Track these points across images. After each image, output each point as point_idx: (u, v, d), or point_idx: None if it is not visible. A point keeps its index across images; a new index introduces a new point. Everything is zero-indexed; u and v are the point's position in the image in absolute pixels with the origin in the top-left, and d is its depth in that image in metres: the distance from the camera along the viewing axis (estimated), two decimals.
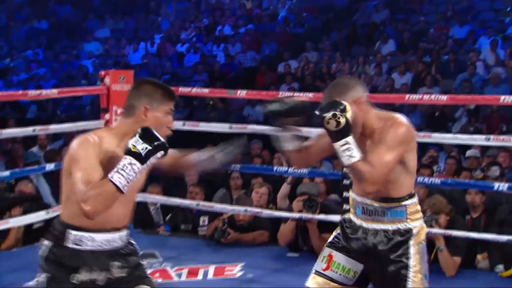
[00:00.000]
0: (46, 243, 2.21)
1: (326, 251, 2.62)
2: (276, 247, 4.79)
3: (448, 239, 4.19)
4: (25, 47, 13.73)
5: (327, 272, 2.58)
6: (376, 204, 2.46)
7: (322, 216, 4.52)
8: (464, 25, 10.87)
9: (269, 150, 6.99)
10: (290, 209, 4.75)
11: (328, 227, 4.54)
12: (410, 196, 2.48)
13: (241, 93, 5.35)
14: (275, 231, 4.87)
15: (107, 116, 5.30)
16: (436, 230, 4.17)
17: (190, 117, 8.87)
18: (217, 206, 5.07)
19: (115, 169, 2.01)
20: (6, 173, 5.02)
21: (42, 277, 2.19)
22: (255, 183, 5.37)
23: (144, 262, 2.48)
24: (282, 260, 4.57)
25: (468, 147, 6.80)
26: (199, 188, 5.42)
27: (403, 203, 2.45)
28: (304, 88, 9.33)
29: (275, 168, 5.30)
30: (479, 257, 4.40)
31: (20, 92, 5.62)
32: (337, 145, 2.31)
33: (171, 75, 11.33)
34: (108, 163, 2.09)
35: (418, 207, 2.51)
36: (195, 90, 6.25)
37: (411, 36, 10.90)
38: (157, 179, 6.01)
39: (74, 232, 2.17)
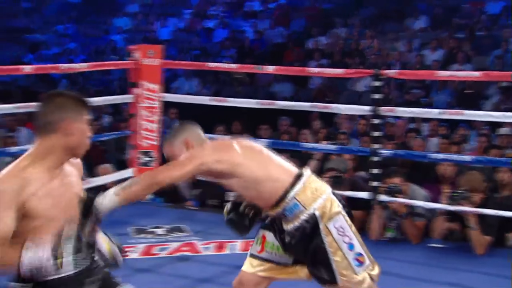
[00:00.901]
0: None
1: (260, 232, 2.64)
2: None
3: (479, 217, 4.15)
4: (57, 22, 13.84)
5: (262, 254, 2.61)
6: (273, 212, 2.49)
7: (349, 193, 4.50)
8: (499, 1, 10.61)
9: (296, 126, 6.98)
10: None
11: (355, 203, 4.54)
12: (290, 187, 2.43)
13: (269, 69, 5.34)
14: None
15: (136, 90, 5.33)
16: (468, 209, 4.13)
17: (217, 93, 8.87)
18: None
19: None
20: None
21: None
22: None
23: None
24: None
25: (499, 125, 6.69)
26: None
27: (289, 197, 2.43)
28: (333, 64, 9.25)
29: (303, 144, 5.29)
30: (509, 235, 4.34)
31: (51, 65, 5.67)
32: None
33: (200, 50, 11.32)
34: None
35: (311, 185, 2.46)
36: (223, 66, 6.25)
37: (444, 12, 10.68)
38: None
39: None
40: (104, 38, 12.67)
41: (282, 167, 2.50)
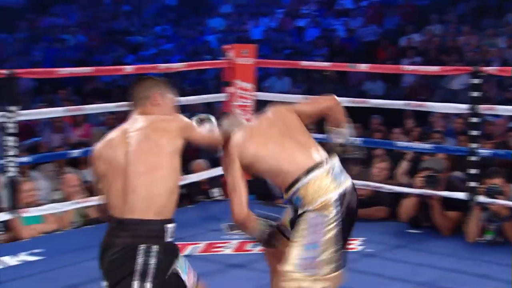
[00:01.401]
0: (154, 248, 2.19)
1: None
2: (396, 223, 4.68)
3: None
4: (155, 24, 14.28)
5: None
6: (286, 196, 2.54)
7: (445, 193, 4.35)
8: None
9: (387, 125, 6.84)
10: (411, 185, 4.62)
11: (452, 204, 4.39)
12: (296, 180, 2.47)
13: (362, 67, 5.25)
14: (395, 206, 4.76)
15: (230, 89, 5.40)
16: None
17: (308, 92, 8.83)
18: None
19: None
20: None
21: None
22: (375, 158, 5.27)
23: None
24: (403, 236, 4.47)
25: None
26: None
27: (294, 189, 2.47)
28: (427, 62, 8.97)
29: (396, 143, 5.17)
30: None
31: (151, 65, 5.84)
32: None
33: (292, 49, 11.31)
34: None
35: (316, 183, 2.44)
36: (316, 64, 6.21)
37: None
38: None
39: (170, 225, 2.27)
40: (199, 38, 12.93)
41: (293, 160, 2.49)
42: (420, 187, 4.44)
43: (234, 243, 4.28)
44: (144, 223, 2.18)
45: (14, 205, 4.17)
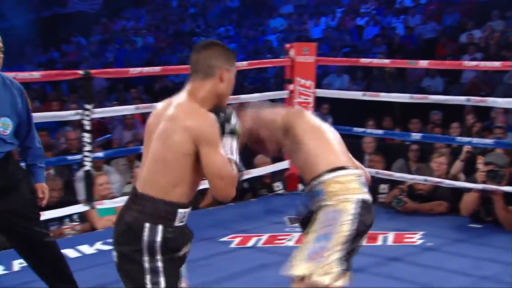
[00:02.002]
0: (160, 227, 2.02)
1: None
2: (457, 218, 4.55)
3: None
4: (219, 24, 14.40)
5: None
6: (308, 187, 2.45)
7: (508, 188, 4.19)
8: None
9: (447, 121, 6.66)
10: (473, 180, 4.48)
11: None
12: (325, 172, 2.36)
13: (423, 63, 5.13)
14: (456, 201, 4.63)
15: (291, 86, 5.38)
16: None
17: (368, 89, 8.71)
18: (396, 175, 4.94)
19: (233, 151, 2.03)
20: None
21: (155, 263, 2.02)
22: (435, 153, 5.15)
23: None
24: (464, 231, 4.34)
25: None
26: (379, 156, 5.32)
27: (317, 181, 2.38)
28: (488, 58, 8.68)
29: (457, 138, 5.03)
30: None
31: None
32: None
33: (350, 48, 11.18)
34: None
35: (342, 182, 2.35)
36: (376, 61, 6.11)
37: None
38: None
39: (182, 210, 2.05)
40: (261, 38, 12.95)
41: (330, 154, 2.40)
42: (483, 182, 4.30)
43: (296, 235, 4.26)
44: (153, 201, 2.02)
45: (90, 198, 4.29)
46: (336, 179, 2.35)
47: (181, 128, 1.97)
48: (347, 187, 2.35)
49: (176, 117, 2.00)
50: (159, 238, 2.01)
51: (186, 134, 1.97)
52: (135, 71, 4.68)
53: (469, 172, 4.81)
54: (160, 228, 2.01)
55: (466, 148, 4.87)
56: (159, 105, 2.13)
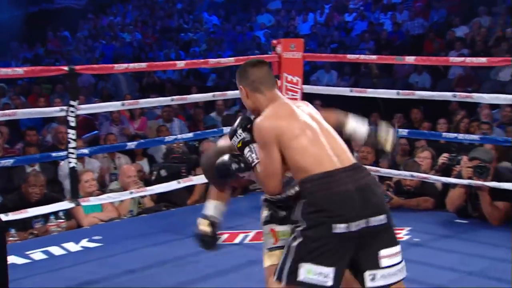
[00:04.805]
0: None
1: (266, 229, 2.55)
2: (444, 213, 4.57)
3: None
4: (206, 20, 14.34)
5: (278, 243, 2.49)
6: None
7: (494, 183, 4.21)
8: None
9: (434, 117, 6.69)
10: (459, 175, 4.49)
11: (501, 194, 4.25)
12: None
13: (410, 59, 5.13)
14: (443, 197, 4.65)
15: (278, 82, 5.35)
16: None
17: (355, 85, 8.72)
18: (383, 171, 4.94)
19: None
20: (190, 134, 5.40)
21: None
22: (418, 148, 5.16)
23: None
24: (451, 226, 4.36)
25: None
26: (370, 148, 5.27)
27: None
28: (475, 54, 8.71)
29: (444, 134, 5.05)
30: None
31: (202, 60, 5.87)
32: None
33: (338, 44, 11.18)
34: None
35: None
36: (363, 57, 6.11)
37: None
38: None
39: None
40: (249, 34, 12.92)
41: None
42: (468, 178, 4.31)
43: None
44: None
45: (75, 195, 4.26)
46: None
47: None
48: None
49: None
50: None
51: None
52: (120, 67, 4.64)
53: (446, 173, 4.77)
54: None
55: (441, 159, 4.82)
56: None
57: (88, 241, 4.13)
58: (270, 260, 2.52)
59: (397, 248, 2.27)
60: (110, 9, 16.04)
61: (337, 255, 2.17)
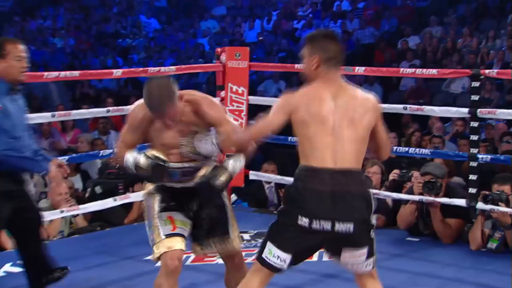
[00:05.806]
0: None
1: (163, 216, 2.78)
2: (394, 231, 4.66)
3: None
4: (146, 26, 14.26)
5: (177, 231, 2.75)
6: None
7: (445, 200, 4.34)
8: None
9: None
10: (410, 191, 4.60)
11: (452, 211, 4.37)
12: None
13: (360, 70, 5.23)
14: (394, 214, 4.75)
15: (222, 93, 5.39)
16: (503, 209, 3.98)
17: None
18: None
19: None
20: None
21: None
22: (366, 162, 5.24)
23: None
24: (402, 244, 4.46)
25: None
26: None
27: None
28: (426, 65, 8.99)
29: (393, 148, 5.15)
30: None
31: (140, 69, 5.84)
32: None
33: (286, 52, 11.32)
34: None
35: None
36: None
37: None
38: (272, 157, 6.05)
39: None
40: (191, 41, 12.93)
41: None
42: (419, 194, 4.43)
43: None
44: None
45: None
46: None
47: None
48: None
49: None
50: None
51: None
52: (51, 75, 4.56)
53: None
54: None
55: (392, 175, 4.84)
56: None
57: (12, 265, 4.01)
58: (173, 244, 2.72)
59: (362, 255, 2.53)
60: (39, 12, 15.72)
61: (298, 244, 2.43)
